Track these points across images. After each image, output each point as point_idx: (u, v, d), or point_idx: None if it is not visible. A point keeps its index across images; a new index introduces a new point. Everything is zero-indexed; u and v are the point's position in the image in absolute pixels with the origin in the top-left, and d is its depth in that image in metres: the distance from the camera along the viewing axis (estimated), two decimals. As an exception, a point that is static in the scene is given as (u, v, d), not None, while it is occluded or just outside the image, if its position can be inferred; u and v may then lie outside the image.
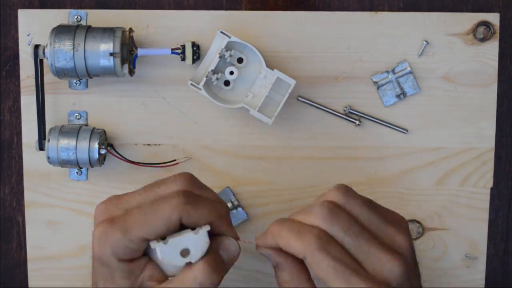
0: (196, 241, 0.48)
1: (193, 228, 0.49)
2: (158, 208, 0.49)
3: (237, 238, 0.52)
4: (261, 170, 0.67)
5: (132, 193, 0.52)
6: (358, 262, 0.49)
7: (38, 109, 0.64)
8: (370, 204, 0.52)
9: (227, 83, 0.64)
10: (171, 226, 0.49)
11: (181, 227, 0.49)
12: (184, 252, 0.48)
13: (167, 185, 0.51)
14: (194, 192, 0.51)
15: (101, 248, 0.49)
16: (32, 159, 0.66)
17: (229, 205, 0.67)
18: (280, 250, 0.51)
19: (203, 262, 0.49)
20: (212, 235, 0.50)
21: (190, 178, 0.52)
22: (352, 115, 0.66)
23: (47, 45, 0.61)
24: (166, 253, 0.48)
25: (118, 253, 0.49)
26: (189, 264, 0.49)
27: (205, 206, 0.50)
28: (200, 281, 0.49)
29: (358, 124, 0.66)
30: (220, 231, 0.51)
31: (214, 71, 0.63)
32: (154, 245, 0.48)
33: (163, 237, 0.49)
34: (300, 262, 0.51)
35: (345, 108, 0.66)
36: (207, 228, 0.49)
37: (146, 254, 0.50)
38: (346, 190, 0.52)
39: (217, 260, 0.50)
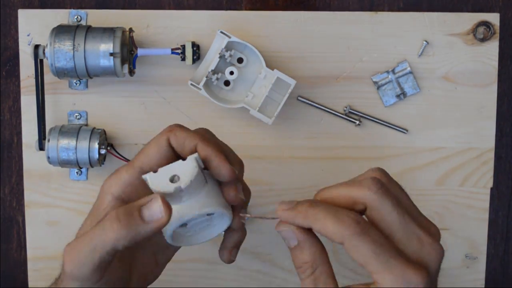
0: (185, 167, 0.49)
1: (184, 159, 0.50)
2: (150, 141, 0.51)
3: (231, 175, 0.51)
4: (261, 170, 0.67)
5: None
6: (398, 244, 0.48)
7: (38, 109, 0.64)
8: (404, 191, 0.52)
9: (227, 83, 0.64)
10: (162, 150, 0.50)
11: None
12: (173, 178, 0.49)
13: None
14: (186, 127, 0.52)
15: (70, 265, 0.49)
16: (32, 159, 0.66)
17: (229, 205, 0.67)
18: (302, 228, 0.50)
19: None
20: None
21: (180, 125, 0.52)
22: (352, 115, 0.66)
23: (47, 45, 0.61)
24: (156, 181, 0.48)
25: (83, 269, 0.48)
26: (178, 188, 0.48)
27: (190, 131, 0.51)
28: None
29: (358, 124, 0.66)
30: (206, 155, 0.50)
31: (214, 71, 0.63)
32: (145, 175, 0.49)
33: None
34: (321, 243, 0.50)
35: (345, 108, 0.66)
36: (195, 155, 0.49)
37: None
38: (386, 173, 0.51)
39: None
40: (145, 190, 0.49)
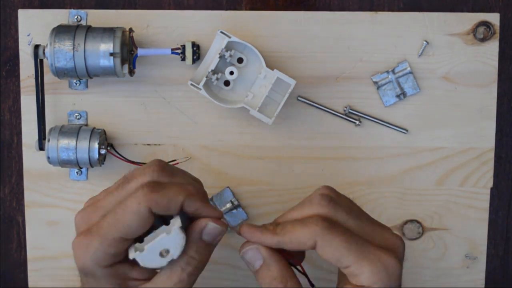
0: (171, 239, 0.48)
1: (167, 222, 0.49)
2: (126, 205, 0.48)
3: (218, 215, 0.51)
4: (261, 170, 0.67)
5: (106, 194, 0.51)
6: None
7: (38, 109, 0.63)
8: (356, 208, 0.53)
9: (227, 83, 0.64)
10: (142, 219, 0.48)
11: (157, 218, 0.49)
12: (164, 253, 0.48)
13: (137, 178, 0.50)
14: (162, 180, 0.50)
15: (82, 260, 0.49)
16: (32, 159, 0.66)
17: (229, 205, 0.67)
18: (265, 246, 0.51)
19: (185, 257, 0.50)
20: (191, 219, 0.50)
21: (159, 167, 0.51)
22: (352, 115, 0.66)
23: (47, 45, 0.61)
24: (146, 259, 0.48)
25: (100, 261, 0.49)
26: (172, 261, 0.48)
27: (172, 190, 0.49)
28: (188, 272, 0.50)
29: (358, 124, 0.66)
30: (195, 211, 0.50)
31: (214, 71, 0.63)
32: (133, 255, 0.48)
33: (139, 237, 0.49)
34: (284, 260, 0.51)
35: (345, 108, 0.66)
36: (178, 224, 0.48)
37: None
38: (333, 189, 0.53)
39: (200, 247, 0.50)
40: (119, 257, 0.50)
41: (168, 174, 0.51)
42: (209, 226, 0.50)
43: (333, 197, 0.51)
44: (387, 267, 0.48)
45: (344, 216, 0.50)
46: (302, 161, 0.66)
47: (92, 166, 0.64)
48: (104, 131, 0.66)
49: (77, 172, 0.67)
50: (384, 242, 0.50)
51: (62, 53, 0.60)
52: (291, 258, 0.52)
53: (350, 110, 0.66)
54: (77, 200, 0.67)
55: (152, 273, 0.51)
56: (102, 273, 0.49)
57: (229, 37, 0.62)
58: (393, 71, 0.66)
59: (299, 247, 0.50)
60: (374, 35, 0.65)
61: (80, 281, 0.52)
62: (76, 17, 0.65)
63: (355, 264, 0.48)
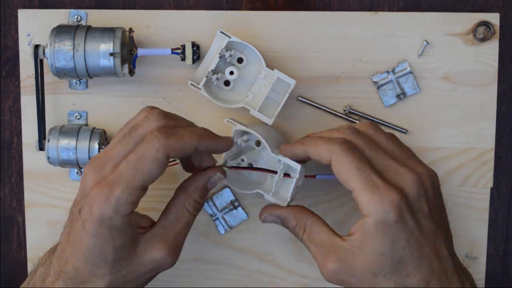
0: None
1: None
2: (143, 154, 0.51)
3: (229, 145, 0.57)
4: (261, 170, 0.67)
5: (113, 146, 0.53)
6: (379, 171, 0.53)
7: (38, 109, 0.64)
8: (398, 142, 0.57)
9: (227, 83, 0.64)
10: (161, 166, 0.51)
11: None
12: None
13: (143, 126, 0.53)
14: (169, 124, 0.53)
15: (102, 209, 0.51)
16: (32, 159, 0.66)
17: (229, 205, 0.67)
18: (272, 208, 0.58)
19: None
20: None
21: (161, 112, 0.54)
22: (352, 115, 0.66)
23: (47, 45, 0.61)
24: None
25: (120, 209, 0.51)
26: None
27: (185, 134, 0.53)
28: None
29: (358, 124, 0.66)
30: (209, 148, 0.55)
31: (214, 71, 0.63)
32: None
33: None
34: (298, 206, 0.58)
35: (345, 108, 0.66)
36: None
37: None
38: (375, 125, 0.57)
39: (204, 193, 0.57)
40: (136, 205, 0.52)
41: (171, 117, 0.54)
42: (216, 177, 0.57)
43: (359, 130, 0.56)
44: (384, 200, 0.51)
45: (364, 145, 0.54)
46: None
47: (92, 166, 0.64)
48: (104, 131, 0.66)
49: (77, 172, 0.67)
50: (394, 179, 0.53)
51: (62, 53, 0.60)
52: None
53: (350, 110, 0.66)
54: (77, 200, 0.67)
55: (151, 222, 0.55)
56: (120, 222, 0.51)
57: (229, 37, 0.62)
58: (393, 71, 0.66)
59: (319, 160, 0.54)
60: (374, 35, 0.65)
61: (78, 235, 0.52)
62: (76, 17, 0.65)
63: (357, 190, 0.52)
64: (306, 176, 0.60)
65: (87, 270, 0.52)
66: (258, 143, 0.63)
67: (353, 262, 0.52)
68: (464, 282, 0.55)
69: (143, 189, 0.52)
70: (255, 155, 0.63)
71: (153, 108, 0.55)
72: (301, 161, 0.58)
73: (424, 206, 0.53)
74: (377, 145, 0.55)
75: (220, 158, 0.61)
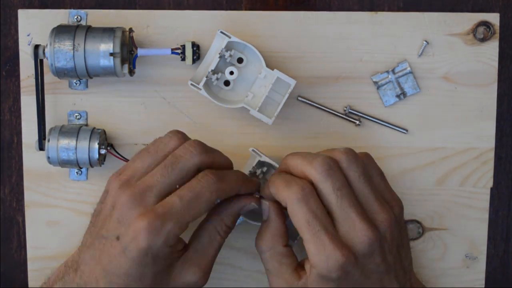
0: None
1: None
2: (199, 194, 0.53)
3: (257, 187, 0.60)
4: (261, 170, 0.67)
5: (154, 174, 0.54)
6: (334, 223, 0.54)
7: (38, 109, 0.64)
8: (368, 177, 0.56)
9: (227, 83, 0.64)
10: (211, 206, 0.54)
11: None
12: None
13: (186, 159, 0.54)
14: (208, 161, 0.55)
15: (153, 242, 0.52)
16: (32, 159, 0.66)
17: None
18: (276, 206, 0.57)
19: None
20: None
21: (200, 144, 0.56)
22: (352, 115, 0.66)
23: (47, 45, 0.61)
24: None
25: (170, 241, 0.52)
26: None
27: (233, 179, 0.56)
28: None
29: (358, 124, 0.66)
30: (246, 192, 0.58)
31: (214, 71, 0.63)
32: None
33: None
34: (284, 226, 0.58)
35: (345, 108, 0.66)
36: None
37: None
38: (353, 156, 0.56)
39: (235, 219, 0.59)
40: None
41: (210, 151, 0.56)
42: (250, 206, 0.58)
43: (333, 167, 0.54)
44: (328, 258, 0.52)
45: (329, 189, 0.54)
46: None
47: (92, 166, 0.64)
48: (104, 131, 0.66)
49: (77, 172, 0.67)
50: (349, 234, 0.53)
51: (62, 53, 0.60)
52: None
53: (350, 110, 0.66)
54: (77, 200, 0.67)
55: (184, 244, 0.56)
56: (166, 252, 0.53)
57: (229, 37, 0.62)
58: (393, 71, 0.66)
59: (280, 202, 0.55)
60: (374, 35, 0.65)
61: (123, 264, 0.53)
62: (76, 17, 0.65)
63: (306, 242, 0.53)
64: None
65: None
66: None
67: None
68: None
69: (190, 223, 0.54)
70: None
71: (185, 136, 0.57)
72: None
73: (376, 258, 0.53)
74: (344, 189, 0.54)
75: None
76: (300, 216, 0.53)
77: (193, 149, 0.55)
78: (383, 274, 0.54)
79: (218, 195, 0.54)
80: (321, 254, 0.52)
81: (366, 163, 0.57)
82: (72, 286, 0.56)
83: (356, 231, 0.53)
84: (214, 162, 0.56)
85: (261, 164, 0.63)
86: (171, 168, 0.54)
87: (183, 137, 0.57)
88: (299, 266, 0.56)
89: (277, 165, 0.62)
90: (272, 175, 0.57)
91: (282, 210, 0.58)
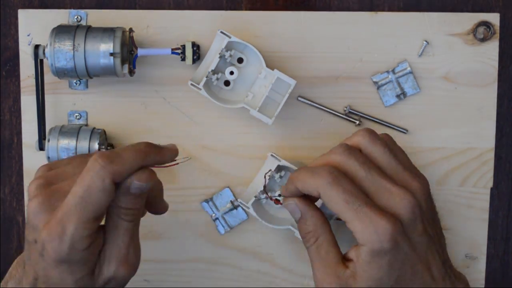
0: None
1: None
2: (89, 185, 0.49)
3: (174, 152, 0.55)
4: (261, 170, 0.67)
5: (59, 169, 0.53)
6: (370, 196, 0.52)
7: (38, 109, 0.64)
8: (393, 151, 0.55)
9: (227, 83, 0.64)
10: (110, 193, 0.49)
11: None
12: None
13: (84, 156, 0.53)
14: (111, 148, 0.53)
15: (59, 249, 0.49)
16: (32, 159, 0.66)
17: (229, 205, 0.67)
18: (303, 200, 0.55)
19: None
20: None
21: (106, 157, 0.51)
22: (352, 115, 0.66)
23: (47, 45, 0.61)
24: None
25: (78, 246, 0.49)
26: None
27: (129, 156, 0.51)
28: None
29: (358, 124, 0.66)
30: (155, 163, 0.53)
31: (214, 71, 0.63)
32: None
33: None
34: (322, 215, 0.55)
35: (345, 108, 0.66)
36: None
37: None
38: (370, 134, 0.55)
39: (130, 198, 0.52)
40: (93, 238, 0.51)
41: (116, 161, 0.51)
42: (133, 185, 0.51)
43: (352, 147, 0.54)
44: (377, 229, 0.50)
45: (356, 166, 0.53)
46: (302, 161, 0.66)
47: (92, 166, 0.63)
48: (104, 131, 0.66)
49: (77, 172, 0.67)
50: (388, 202, 0.52)
51: (62, 53, 0.60)
52: None
53: (350, 110, 0.66)
54: (77, 200, 0.67)
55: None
56: (79, 257, 0.50)
57: (229, 37, 0.62)
58: (393, 71, 0.66)
59: (309, 193, 0.53)
60: (374, 35, 0.65)
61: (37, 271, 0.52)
62: (76, 17, 0.65)
63: (350, 222, 0.51)
64: (337, 219, 0.60)
65: None
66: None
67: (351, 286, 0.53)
68: (457, 286, 0.55)
69: (96, 219, 0.50)
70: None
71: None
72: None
73: (418, 225, 0.53)
74: (370, 163, 0.54)
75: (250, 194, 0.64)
76: (336, 198, 0.51)
77: (98, 161, 0.50)
78: (426, 246, 0.53)
79: (113, 178, 0.49)
80: (369, 227, 0.50)
81: (388, 141, 0.56)
82: (22, 285, 0.54)
83: (394, 198, 0.52)
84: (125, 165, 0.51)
85: (279, 168, 0.63)
86: (70, 163, 0.53)
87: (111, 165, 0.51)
88: (344, 257, 0.54)
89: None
90: (292, 173, 0.56)
91: (311, 202, 0.56)
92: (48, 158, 0.63)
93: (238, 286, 0.68)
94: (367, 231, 0.51)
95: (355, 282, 0.52)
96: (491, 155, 0.66)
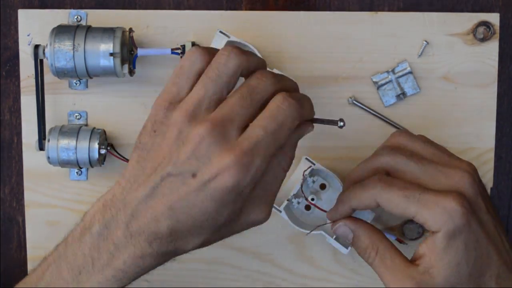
0: None
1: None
2: (283, 124, 0.49)
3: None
4: (261, 170, 0.67)
5: (230, 105, 0.49)
6: (426, 185, 0.52)
7: (38, 109, 0.64)
8: (433, 144, 0.56)
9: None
10: (292, 134, 0.50)
11: None
12: None
13: (263, 88, 0.50)
14: (283, 87, 0.51)
15: (242, 179, 0.47)
16: (32, 159, 0.66)
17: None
18: (351, 219, 0.56)
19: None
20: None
21: (272, 75, 0.51)
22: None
23: (47, 45, 0.61)
24: None
25: (257, 178, 0.48)
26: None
27: (308, 104, 0.52)
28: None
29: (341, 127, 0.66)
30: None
31: (214, 71, 0.63)
32: None
33: None
34: (373, 226, 0.55)
35: (349, 99, 0.66)
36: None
37: None
38: (406, 133, 0.57)
39: (295, 147, 0.53)
40: None
41: (280, 80, 0.52)
42: (310, 129, 0.53)
43: (395, 146, 0.55)
44: (447, 209, 0.50)
45: (405, 161, 0.53)
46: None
47: (92, 166, 0.64)
48: (104, 131, 0.66)
49: (77, 172, 0.67)
50: (447, 183, 0.52)
51: (62, 53, 0.61)
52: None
53: (354, 101, 0.66)
54: (77, 200, 0.67)
55: None
56: (250, 189, 0.49)
57: (228, 37, 0.62)
58: (393, 71, 0.66)
59: (366, 208, 0.54)
60: (374, 35, 0.65)
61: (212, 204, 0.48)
62: (76, 17, 0.65)
63: (417, 214, 0.51)
64: (397, 239, 0.62)
65: (187, 231, 0.49)
66: (322, 186, 0.65)
67: (431, 283, 0.51)
68: None
69: (274, 155, 0.49)
70: (319, 195, 0.65)
71: (245, 52, 0.51)
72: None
73: (481, 202, 0.52)
74: (417, 155, 0.54)
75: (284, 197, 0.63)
76: (396, 199, 0.51)
77: (266, 78, 0.50)
78: (493, 226, 0.53)
79: (299, 121, 0.49)
80: (437, 211, 0.50)
81: (424, 137, 0.57)
82: (119, 226, 0.49)
83: (453, 178, 0.52)
84: (284, 87, 0.51)
85: (313, 172, 0.63)
86: (250, 99, 0.49)
87: (243, 54, 0.50)
88: (412, 260, 0.53)
89: (331, 172, 0.62)
90: (340, 195, 0.56)
91: (358, 218, 0.56)
92: (48, 158, 0.63)
93: (238, 286, 0.68)
94: (437, 214, 0.50)
95: (432, 277, 0.51)
96: (491, 155, 0.66)
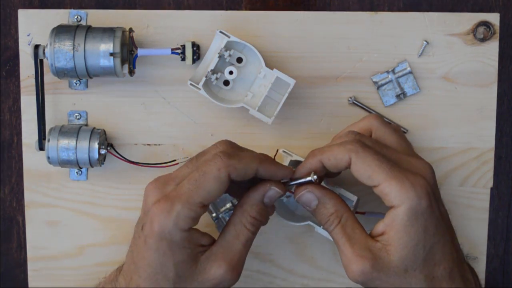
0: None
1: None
2: (206, 172, 0.52)
3: (290, 174, 0.56)
4: (261, 170, 0.67)
5: (178, 169, 0.55)
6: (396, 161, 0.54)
7: (38, 109, 0.64)
8: (402, 136, 0.58)
9: (226, 83, 0.64)
10: (221, 184, 0.52)
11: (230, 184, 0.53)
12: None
13: (210, 151, 0.54)
14: (233, 150, 0.54)
15: (163, 223, 0.51)
16: (32, 159, 0.66)
17: (229, 205, 0.66)
18: (317, 186, 0.55)
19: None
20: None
21: (229, 142, 0.55)
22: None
23: (47, 45, 0.61)
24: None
25: (180, 224, 0.52)
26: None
27: (247, 157, 0.53)
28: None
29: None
30: (269, 173, 0.54)
31: (214, 71, 0.63)
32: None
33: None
34: (339, 196, 0.56)
35: (349, 99, 0.66)
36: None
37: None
38: (380, 118, 0.58)
39: (261, 208, 0.55)
40: (196, 222, 0.53)
41: (237, 147, 0.55)
42: (272, 192, 0.55)
43: (365, 127, 0.58)
44: (415, 186, 0.51)
45: (371, 144, 0.54)
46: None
47: (92, 166, 0.64)
48: (104, 131, 0.66)
49: (77, 172, 0.67)
50: (411, 167, 0.53)
51: (62, 53, 0.61)
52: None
53: (354, 101, 0.66)
54: (77, 200, 0.67)
55: (212, 240, 0.55)
56: (180, 237, 0.52)
57: (228, 37, 0.62)
58: (393, 71, 0.66)
59: (336, 164, 0.54)
60: (374, 35, 0.65)
61: (140, 250, 0.53)
62: (76, 17, 0.65)
63: (384, 182, 0.52)
64: (356, 213, 0.60)
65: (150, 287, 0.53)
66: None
67: (387, 260, 0.52)
68: (473, 272, 0.56)
69: (203, 206, 0.52)
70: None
71: (225, 140, 0.56)
72: (320, 177, 0.56)
73: (439, 196, 0.54)
74: (382, 142, 0.56)
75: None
76: (369, 160, 0.52)
77: (219, 144, 0.55)
78: (448, 220, 0.54)
79: (227, 171, 0.52)
80: (405, 185, 0.51)
81: (397, 128, 0.59)
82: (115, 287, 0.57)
83: (417, 165, 0.54)
84: (242, 151, 0.55)
85: (293, 164, 0.63)
86: (195, 160, 0.54)
87: (221, 140, 0.56)
88: (371, 235, 0.54)
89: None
90: (313, 150, 0.56)
91: (324, 186, 0.56)
92: (48, 158, 0.63)
93: (238, 286, 0.68)
94: (404, 187, 0.51)
95: (388, 254, 0.52)
96: (491, 155, 0.66)
